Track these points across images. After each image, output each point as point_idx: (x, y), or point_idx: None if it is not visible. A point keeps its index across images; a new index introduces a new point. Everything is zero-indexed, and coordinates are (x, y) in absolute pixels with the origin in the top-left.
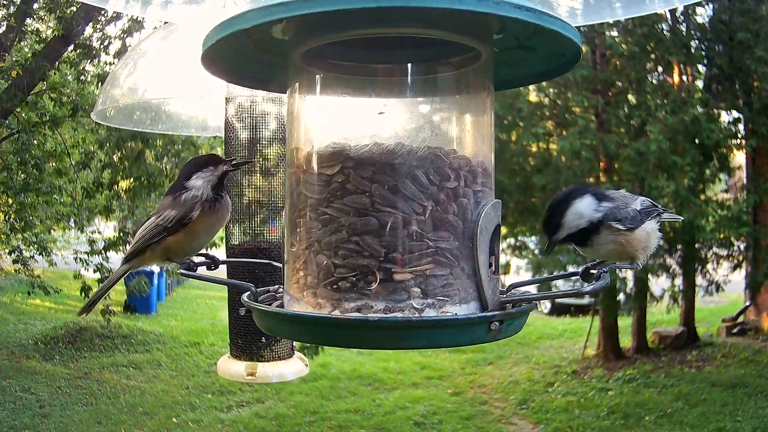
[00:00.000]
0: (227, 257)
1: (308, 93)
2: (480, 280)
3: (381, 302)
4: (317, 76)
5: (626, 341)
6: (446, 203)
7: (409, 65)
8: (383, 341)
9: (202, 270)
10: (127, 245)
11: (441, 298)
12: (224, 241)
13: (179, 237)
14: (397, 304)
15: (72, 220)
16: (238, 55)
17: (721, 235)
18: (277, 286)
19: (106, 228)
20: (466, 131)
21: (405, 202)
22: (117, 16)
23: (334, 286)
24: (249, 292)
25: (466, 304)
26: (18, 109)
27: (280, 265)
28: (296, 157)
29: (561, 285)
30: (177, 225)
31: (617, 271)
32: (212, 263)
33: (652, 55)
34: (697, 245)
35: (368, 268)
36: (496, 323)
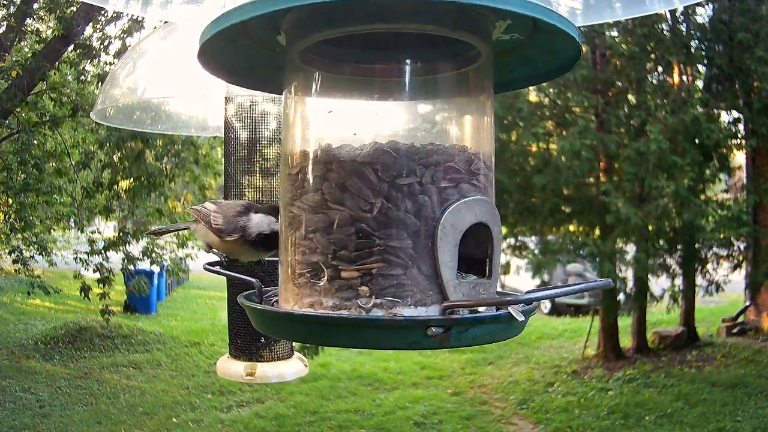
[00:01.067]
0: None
1: (304, 94)
2: (442, 282)
3: (330, 299)
4: (305, 75)
5: (626, 341)
6: (398, 200)
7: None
8: (312, 336)
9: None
10: (127, 245)
11: (391, 298)
12: None
13: (214, 237)
14: (344, 301)
15: (72, 220)
16: (233, 51)
17: (721, 235)
18: None
19: (106, 228)
20: (450, 125)
21: (352, 199)
22: (117, 16)
23: (295, 282)
24: (255, 289)
25: (425, 306)
26: (18, 109)
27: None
28: (283, 159)
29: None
30: (215, 229)
31: (618, 271)
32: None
33: (652, 55)
34: (697, 245)
35: (318, 264)
36: (434, 329)
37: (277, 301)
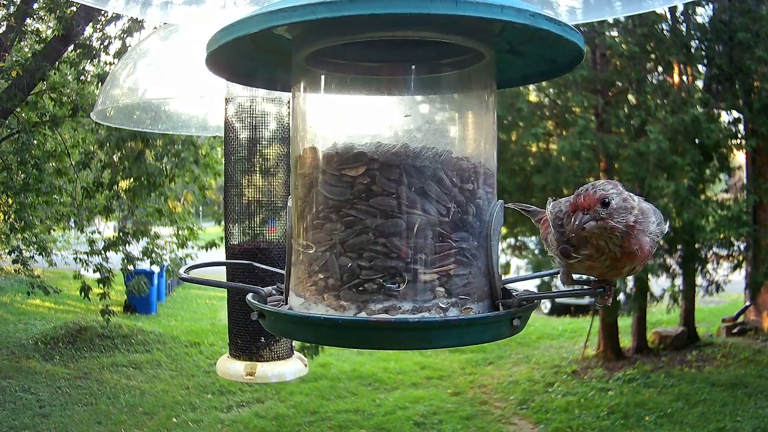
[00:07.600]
0: (227, 257)
1: (317, 92)
2: (493, 278)
3: (409, 302)
4: (325, 77)
5: (626, 341)
6: (466, 204)
7: (415, 65)
8: (414, 342)
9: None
10: (127, 245)
11: (463, 296)
12: (224, 241)
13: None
14: (424, 303)
15: (72, 220)
16: (242, 56)
17: (721, 235)
18: (271, 288)
19: (106, 228)
20: (477, 133)
21: (431, 204)
22: (117, 17)
23: (360, 288)
24: (256, 295)
25: (482, 301)
26: (18, 109)
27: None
28: (311, 158)
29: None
30: None
31: None
32: None
33: (652, 55)
34: (697, 245)
35: (396, 269)
36: (517, 319)
37: (288, 308)
